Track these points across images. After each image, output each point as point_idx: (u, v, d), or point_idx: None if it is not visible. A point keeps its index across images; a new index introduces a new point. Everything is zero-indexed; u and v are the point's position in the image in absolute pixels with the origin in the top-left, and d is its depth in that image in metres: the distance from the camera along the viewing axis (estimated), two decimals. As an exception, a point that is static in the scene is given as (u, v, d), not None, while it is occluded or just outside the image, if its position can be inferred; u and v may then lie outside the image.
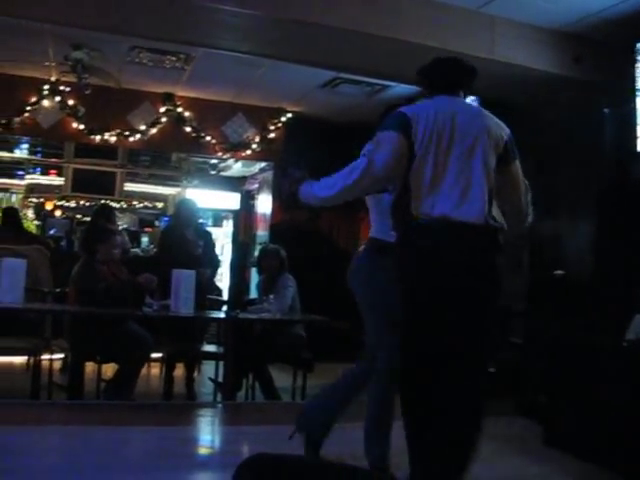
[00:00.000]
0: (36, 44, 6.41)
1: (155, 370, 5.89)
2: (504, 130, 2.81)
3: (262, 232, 9.10)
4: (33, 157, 11.15)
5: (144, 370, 5.37)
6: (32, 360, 5.20)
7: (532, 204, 2.99)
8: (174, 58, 6.74)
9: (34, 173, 11.50)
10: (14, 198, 11.58)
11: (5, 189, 11.66)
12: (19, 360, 5.68)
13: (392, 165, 2.68)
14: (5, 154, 11.04)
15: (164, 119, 7.85)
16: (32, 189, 11.49)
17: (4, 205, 10.54)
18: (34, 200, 11.48)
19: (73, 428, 4.21)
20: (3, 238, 6.33)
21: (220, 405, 5.44)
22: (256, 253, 7.39)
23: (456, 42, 5.23)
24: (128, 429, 4.28)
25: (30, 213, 11.14)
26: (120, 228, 8.52)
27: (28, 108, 7.46)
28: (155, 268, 5.48)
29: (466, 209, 2.63)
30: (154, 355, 5.63)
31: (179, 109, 7.88)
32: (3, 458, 3.47)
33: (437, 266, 2.63)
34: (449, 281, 2.62)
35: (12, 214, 7.46)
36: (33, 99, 7.47)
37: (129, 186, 11.62)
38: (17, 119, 7.44)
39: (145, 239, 10.52)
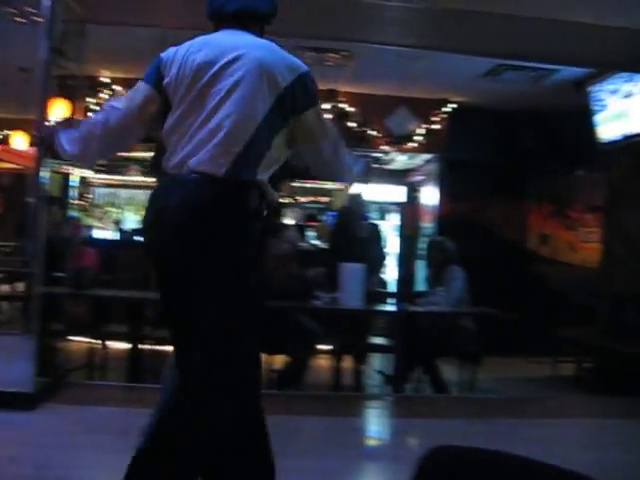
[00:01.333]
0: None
1: (324, 362, 6.01)
2: (295, 72, 2.34)
3: (428, 224, 9.04)
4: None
5: (313, 362, 5.49)
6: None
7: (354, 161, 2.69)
8: (337, 56, 6.83)
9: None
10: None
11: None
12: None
13: (129, 117, 2.44)
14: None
15: (328, 115, 7.98)
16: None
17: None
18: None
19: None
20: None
21: (388, 397, 5.47)
22: (423, 246, 7.36)
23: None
24: (298, 418, 4.41)
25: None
26: (289, 223, 8.73)
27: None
28: (324, 262, 5.60)
29: (197, 158, 2.25)
30: (323, 347, 5.74)
31: (343, 105, 7.98)
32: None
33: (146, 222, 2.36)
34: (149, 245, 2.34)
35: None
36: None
37: (295, 182, 11.84)
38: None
39: (311, 233, 10.72)
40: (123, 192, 10.44)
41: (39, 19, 4.52)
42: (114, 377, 5.27)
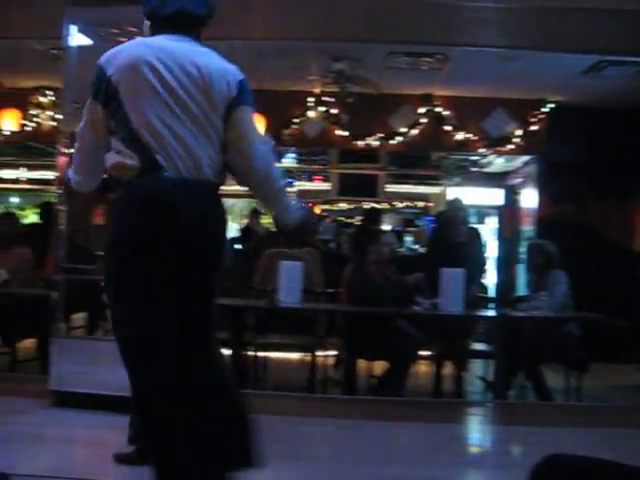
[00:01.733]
0: (300, 60, 6.82)
1: (424, 368, 5.97)
2: (237, 78, 2.50)
3: (528, 227, 8.85)
4: (301, 165, 11.81)
5: (413, 368, 5.46)
6: (308, 356, 5.50)
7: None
8: (431, 59, 6.78)
9: (301, 180, 12.15)
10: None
11: (287, 196, 12.47)
12: (295, 356, 6.04)
13: (98, 137, 2.52)
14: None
15: (424, 120, 7.93)
16: (301, 195, 12.16)
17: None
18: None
19: (346, 421, 4.42)
20: (279, 242, 6.77)
21: (490, 404, 5.38)
22: (523, 249, 7.21)
23: None
24: (398, 424, 4.40)
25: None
26: (386, 229, 8.74)
27: (295, 120, 7.95)
28: (423, 267, 5.57)
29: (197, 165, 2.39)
30: (423, 353, 5.70)
31: (438, 109, 7.92)
32: (283, 446, 3.73)
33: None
34: None
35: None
36: (299, 112, 7.95)
37: (390, 187, 11.85)
38: (286, 131, 7.96)
39: (409, 238, 10.69)
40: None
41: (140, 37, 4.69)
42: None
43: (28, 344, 5.97)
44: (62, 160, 4.67)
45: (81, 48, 4.69)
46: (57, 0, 4.60)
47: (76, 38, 4.66)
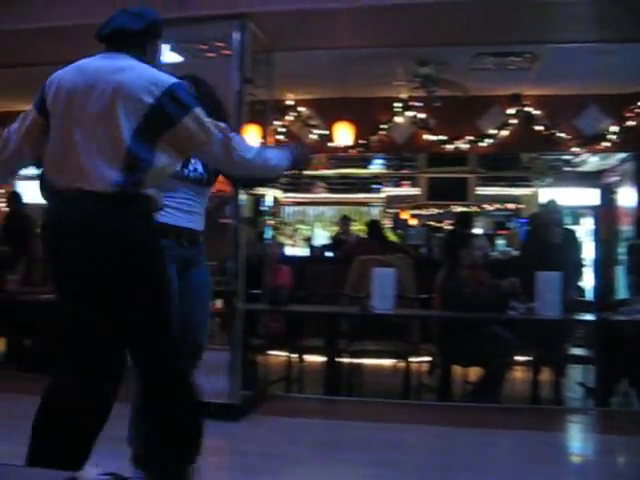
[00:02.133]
0: (386, 66, 6.82)
1: (521, 374, 5.84)
2: (160, 87, 2.41)
3: (626, 227, 8.55)
4: (389, 171, 11.78)
5: (509, 373, 5.35)
6: (401, 363, 5.46)
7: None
8: (519, 59, 6.65)
9: (390, 186, 12.13)
10: (374, 211, 12.33)
11: (364, 203, 12.48)
12: (388, 362, 6.02)
13: (19, 141, 2.60)
14: (362, 170, 11.84)
15: (513, 120, 7.79)
16: (389, 201, 12.13)
17: (366, 218, 11.29)
18: (390, 211, 12.12)
19: (441, 428, 4.37)
20: (370, 249, 6.80)
21: (591, 411, 5.22)
22: (621, 250, 6.97)
23: None
24: (495, 432, 4.32)
25: (389, 223, 11.77)
26: (478, 233, 8.61)
27: (383, 126, 7.94)
28: (518, 270, 5.46)
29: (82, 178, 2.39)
30: (519, 358, 5.59)
31: (528, 108, 7.75)
32: (376, 452, 3.73)
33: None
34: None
35: (376, 226, 8.02)
36: (387, 117, 7.94)
37: (480, 190, 11.68)
38: (374, 138, 7.97)
39: (501, 241, 10.50)
40: (311, 209, 10.77)
41: (228, 52, 4.81)
42: (311, 390, 5.42)
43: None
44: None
45: (173, 66, 4.84)
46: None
47: (168, 56, 4.80)
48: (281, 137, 7.71)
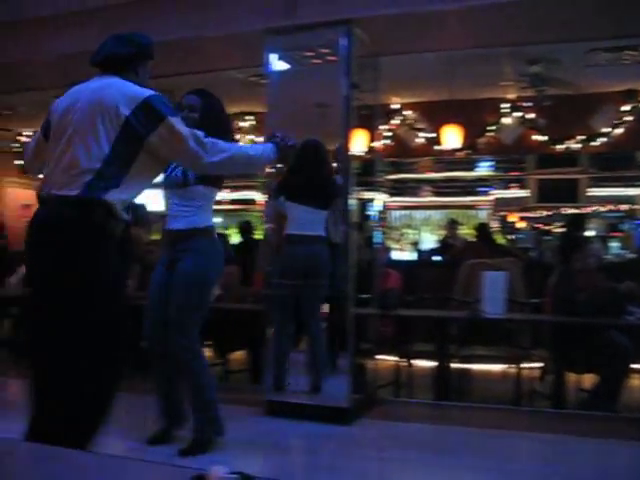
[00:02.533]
0: (493, 67, 6.71)
1: (639, 382, 5.60)
2: (135, 100, 2.63)
3: None
4: (497, 173, 11.56)
5: (627, 381, 5.14)
6: (512, 368, 5.35)
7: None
8: (635, 52, 6.41)
9: (498, 188, 11.90)
10: (482, 214, 12.13)
11: (472, 206, 12.29)
12: (498, 368, 5.91)
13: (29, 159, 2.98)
14: (469, 173, 11.66)
15: (628, 117, 7.50)
16: (497, 203, 11.90)
17: (473, 222, 11.12)
18: (499, 214, 11.89)
19: (554, 436, 4.26)
20: (479, 253, 6.69)
21: None
22: None
23: None
24: (610, 442, 4.16)
25: (497, 226, 11.56)
26: (591, 235, 8.35)
27: (490, 128, 7.82)
28: (634, 274, 5.25)
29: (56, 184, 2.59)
30: (638, 366, 5.36)
31: (644, 104, 7.47)
32: (489, 459, 3.67)
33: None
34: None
35: (484, 229, 7.90)
36: (494, 119, 7.81)
37: (592, 191, 11.30)
38: (481, 139, 7.85)
39: (615, 244, 10.12)
40: (418, 213, 10.71)
41: (333, 58, 4.85)
42: (420, 394, 5.38)
43: (238, 356, 6.34)
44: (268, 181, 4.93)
45: (280, 73, 4.93)
46: (256, 31, 4.87)
47: (276, 64, 4.90)
48: (387, 141, 7.72)
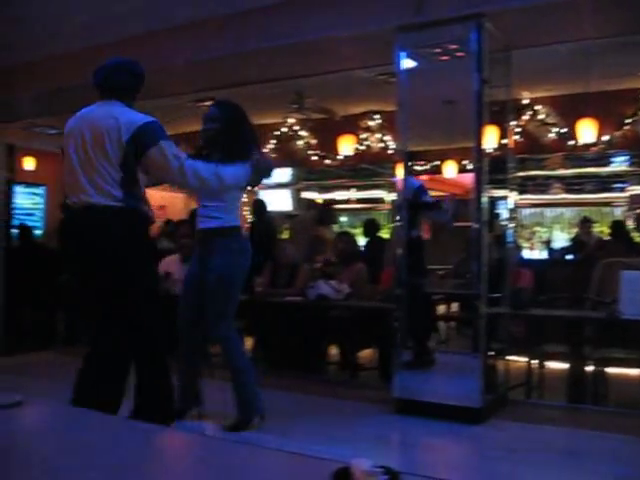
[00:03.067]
0: (631, 56, 6.39)
1: None
2: (133, 126, 3.29)
3: None
4: (633, 168, 11.07)
5: None
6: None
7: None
8: None
9: (635, 184, 11.39)
10: (617, 211, 11.66)
11: (606, 203, 11.84)
12: (634, 372, 5.65)
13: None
14: (603, 169, 11.22)
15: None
16: (634, 200, 11.40)
17: (608, 219, 10.70)
18: (635, 211, 11.38)
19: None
20: (614, 251, 6.43)
21: None
22: None
23: None
24: None
25: (633, 224, 11.09)
26: None
27: (628, 121, 7.48)
28: None
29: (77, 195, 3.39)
30: None
31: None
32: (627, 466, 3.52)
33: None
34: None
35: (620, 227, 7.58)
36: (632, 111, 7.46)
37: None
38: (617, 133, 7.52)
39: None
40: (548, 211, 10.42)
41: (461, 54, 4.79)
42: (552, 397, 5.24)
43: (366, 354, 6.38)
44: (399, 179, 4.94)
45: (410, 70, 4.92)
46: (387, 30, 4.87)
47: (404, 62, 4.89)
48: (517, 137, 7.53)
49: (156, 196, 12.54)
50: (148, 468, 1.45)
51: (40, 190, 11.02)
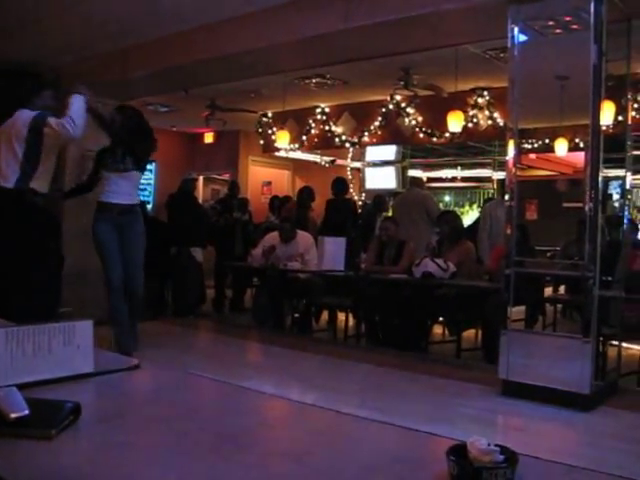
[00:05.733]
0: None
1: None
2: (27, 120, 4.77)
3: None
4: None
5: None
6: None
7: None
8: None
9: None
10: None
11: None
12: None
13: None
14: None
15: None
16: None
17: None
18: None
19: None
20: None
21: None
22: None
23: None
24: None
25: None
26: None
27: None
28: None
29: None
30: None
31: None
32: None
33: None
34: None
35: None
36: None
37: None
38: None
39: None
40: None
41: (576, 27, 4.59)
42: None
43: (470, 334, 6.30)
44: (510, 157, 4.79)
45: (523, 44, 4.75)
46: (498, 2, 4.72)
47: (517, 37, 4.73)
48: (634, 114, 7.17)
49: (262, 172, 12.78)
50: (260, 436, 1.46)
51: (150, 166, 11.43)
